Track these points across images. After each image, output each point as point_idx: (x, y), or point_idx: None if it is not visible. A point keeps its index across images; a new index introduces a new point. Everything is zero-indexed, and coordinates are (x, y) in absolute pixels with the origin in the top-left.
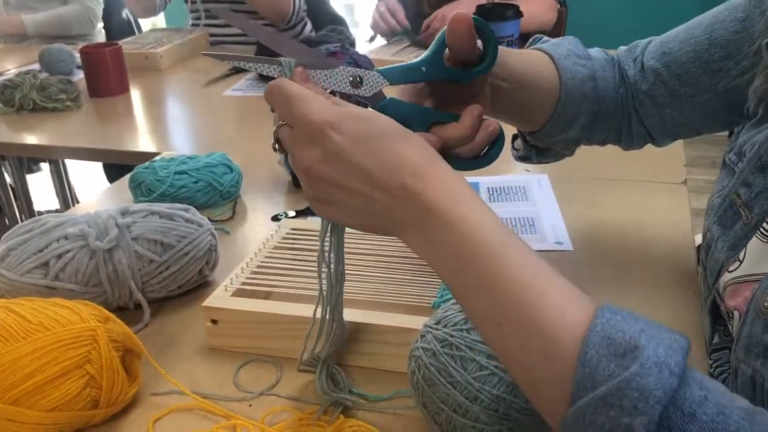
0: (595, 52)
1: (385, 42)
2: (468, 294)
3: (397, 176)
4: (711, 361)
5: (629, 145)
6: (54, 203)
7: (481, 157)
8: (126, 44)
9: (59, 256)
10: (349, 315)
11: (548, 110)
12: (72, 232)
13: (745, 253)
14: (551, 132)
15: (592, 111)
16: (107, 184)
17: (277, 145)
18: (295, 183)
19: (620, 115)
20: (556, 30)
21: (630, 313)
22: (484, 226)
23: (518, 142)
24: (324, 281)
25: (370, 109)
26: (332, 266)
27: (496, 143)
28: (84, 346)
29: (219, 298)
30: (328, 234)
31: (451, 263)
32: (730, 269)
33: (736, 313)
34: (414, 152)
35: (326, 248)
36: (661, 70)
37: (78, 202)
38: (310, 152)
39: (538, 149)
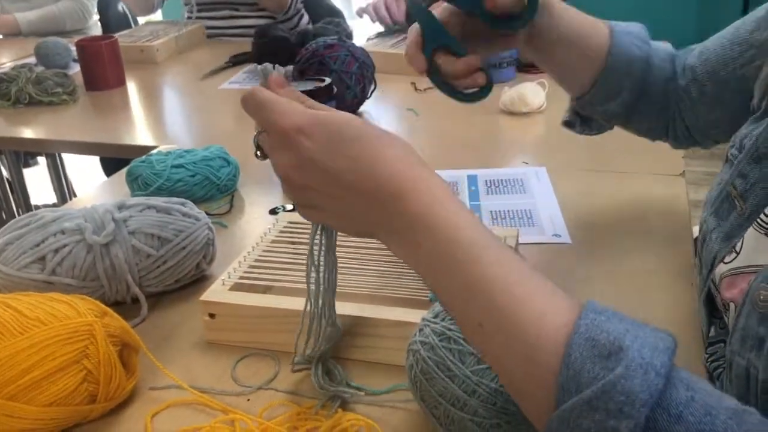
0: (661, 44)
1: (382, 29)
2: (449, 297)
3: (371, 180)
4: (707, 355)
5: (676, 142)
6: (51, 197)
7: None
8: (122, 37)
9: (56, 251)
10: (347, 309)
11: (590, 76)
12: (69, 227)
13: (741, 245)
14: (593, 101)
15: (636, 90)
16: (104, 177)
17: (258, 152)
18: None
19: (669, 108)
20: None
21: (615, 312)
22: (464, 230)
23: (568, 109)
24: (312, 285)
25: (345, 112)
26: (321, 269)
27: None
28: (81, 340)
29: (216, 292)
30: (318, 237)
31: (431, 267)
32: (726, 260)
33: (731, 305)
34: (391, 155)
35: (315, 251)
36: (697, 68)
37: (75, 195)
38: (284, 158)
39: (582, 118)
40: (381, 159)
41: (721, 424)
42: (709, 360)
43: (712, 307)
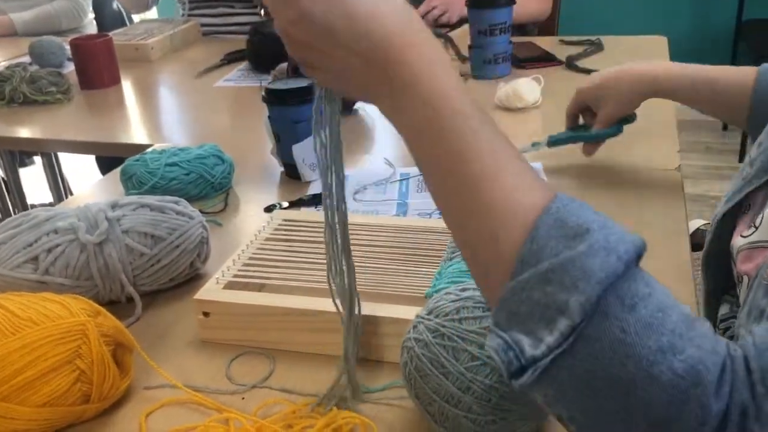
0: None
1: None
2: (429, 167)
3: (366, 40)
4: (720, 331)
5: None
6: (48, 196)
7: None
8: (116, 35)
9: (49, 251)
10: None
11: (743, 117)
12: (62, 226)
13: (762, 219)
14: (754, 136)
15: None
16: (100, 176)
17: (263, 11)
18: (288, 173)
19: None
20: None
21: (590, 206)
22: (452, 98)
23: None
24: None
25: None
26: (327, 138)
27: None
28: (74, 340)
29: (210, 290)
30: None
31: (416, 133)
32: (744, 234)
33: (745, 278)
34: (387, 13)
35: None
36: None
37: (72, 194)
38: (285, 14)
39: None
40: (377, 17)
41: (671, 323)
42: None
43: (726, 283)
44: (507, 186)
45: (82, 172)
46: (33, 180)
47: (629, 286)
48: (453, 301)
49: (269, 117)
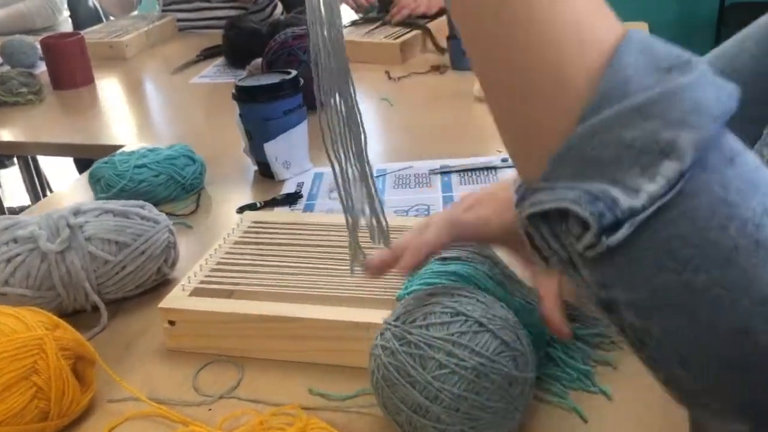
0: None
1: (356, 17)
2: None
3: None
4: None
5: None
6: (27, 198)
7: None
8: (91, 33)
9: (8, 261)
10: (311, 311)
11: None
12: (21, 235)
13: None
14: None
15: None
16: (78, 175)
17: None
18: (261, 171)
19: None
20: None
21: None
22: None
23: None
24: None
25: None
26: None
27: None
28: (30, 356)
29: (175, 298)
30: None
31: None
32: None
33: None
34: None
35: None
36: None
37: (53, 193)
38: None
39: None
40: None
41: None
42: None
43: None
44: (575, 6)
45: (61, 171)
46: (12, 182)
47: (724, 139)
48: (420, 307)
49: (240, 115)
